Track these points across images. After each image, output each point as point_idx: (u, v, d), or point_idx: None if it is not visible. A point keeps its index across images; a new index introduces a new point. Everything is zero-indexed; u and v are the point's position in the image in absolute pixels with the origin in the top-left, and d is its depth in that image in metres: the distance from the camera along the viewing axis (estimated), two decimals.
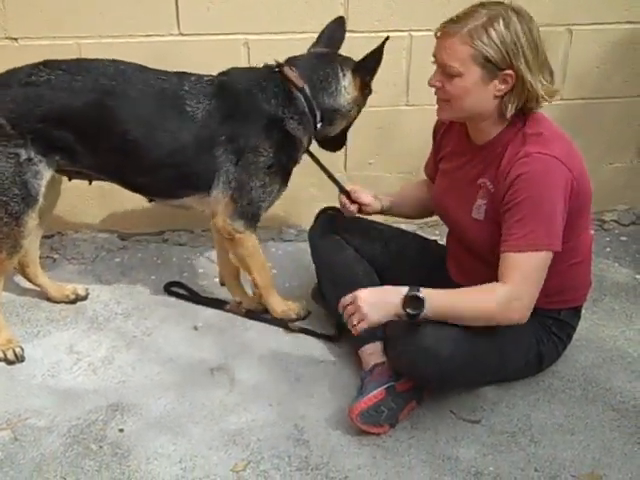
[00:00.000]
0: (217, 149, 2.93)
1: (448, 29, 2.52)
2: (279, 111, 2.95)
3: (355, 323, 2.55)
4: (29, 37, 3.39)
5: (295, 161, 3.07)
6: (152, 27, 3.42)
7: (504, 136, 2.63)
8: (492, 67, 2.49)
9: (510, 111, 2.57)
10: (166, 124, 2.90)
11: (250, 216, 3.03)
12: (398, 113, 3.69)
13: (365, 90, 3.05)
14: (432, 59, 2.60)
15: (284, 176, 3.04)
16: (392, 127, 3.73)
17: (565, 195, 2.53)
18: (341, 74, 3.00)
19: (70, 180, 3.10)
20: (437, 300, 2.51)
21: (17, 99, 2.79)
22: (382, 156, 3.78)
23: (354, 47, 3.44)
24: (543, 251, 2.52)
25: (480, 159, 2.70)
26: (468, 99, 2.56)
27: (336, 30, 3.08)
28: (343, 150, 3.67)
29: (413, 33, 3.53)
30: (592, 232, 2.99)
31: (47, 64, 2.88)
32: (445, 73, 2.55)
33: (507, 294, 2.49)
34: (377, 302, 2.55)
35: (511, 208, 2.54)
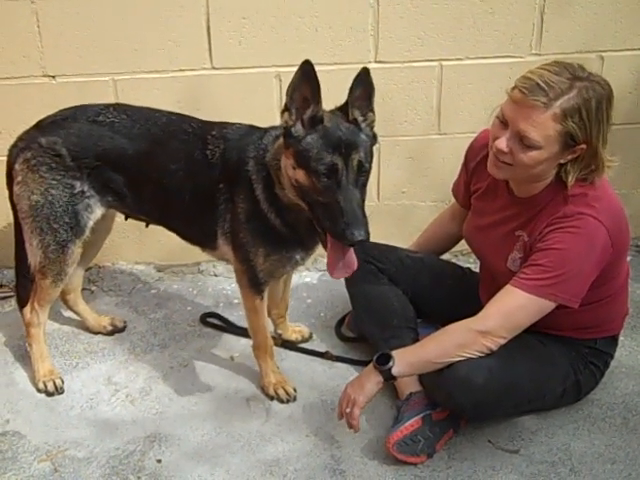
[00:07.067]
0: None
1: (536, 99, 2.38)
2: None
3: (348, 412, 2.61)
4: (66, 74, 3.46)
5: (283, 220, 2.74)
6: (185, 62, 3.48)
7: (547, 193, 2.59)
8: (572, 143, 2.44)
9: (571, 180, 2.51)
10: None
11: (250, 276, 2.86)
12: (430, 142, 3.70)
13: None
14: (499, 116, 2.50)
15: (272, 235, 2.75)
16: (424, 156, 3.74)
17: (600, 257, 2.52)
18: None
19: (126, 219, 3.15)
20: (404, 356, 2.62)
21: (81, 134, 2.86)
22: (415, 185, 3.78)
23: (385, 77, 3.47)
24: (548, 300, 2.52)
25: (519, 211, 2.67)
26: (536, 169, 2.51)
27: None
28: (376, 180, 3.71)
29: (443, 63, 3.55)
30: (628, 259, 2.95)
31: (117, 107, 2.96)
32: (520, 142, 2.45)
33: (479, 329, 2.56)
34: (358, 382, 2.64)
35: (538, 251, 2.54)
